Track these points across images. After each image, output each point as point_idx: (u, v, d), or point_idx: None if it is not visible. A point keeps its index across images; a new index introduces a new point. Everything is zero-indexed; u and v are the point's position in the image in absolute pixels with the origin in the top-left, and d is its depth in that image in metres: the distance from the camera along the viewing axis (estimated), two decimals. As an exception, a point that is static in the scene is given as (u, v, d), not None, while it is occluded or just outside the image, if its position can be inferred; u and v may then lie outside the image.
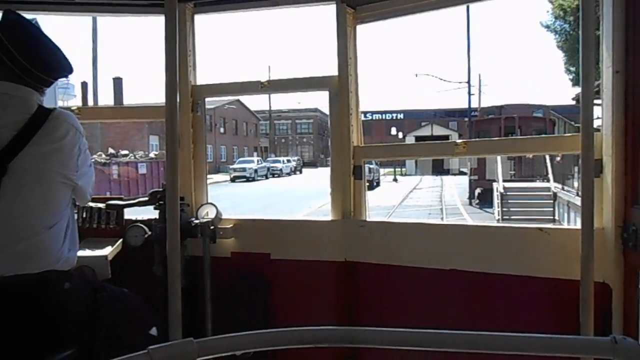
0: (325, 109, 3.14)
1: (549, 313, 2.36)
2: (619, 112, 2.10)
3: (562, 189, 17.04)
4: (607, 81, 2.14)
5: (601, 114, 2.21)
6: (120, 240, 2.88)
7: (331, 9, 2.82)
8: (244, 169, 41.90)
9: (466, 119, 36.46)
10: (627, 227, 2.07)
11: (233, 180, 39.50)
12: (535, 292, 2.38)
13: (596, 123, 2.18)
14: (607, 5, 2.12)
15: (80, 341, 2.08)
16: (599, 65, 2.18)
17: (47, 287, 2.04)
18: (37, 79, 2.11)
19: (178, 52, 2.17)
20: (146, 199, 2.92)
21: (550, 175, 18.71)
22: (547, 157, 18.96)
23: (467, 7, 24.67)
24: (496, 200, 18.41)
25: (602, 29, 2.17)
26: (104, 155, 25.87)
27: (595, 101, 2.11)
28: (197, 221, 2.88)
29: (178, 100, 2.27)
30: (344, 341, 1.29)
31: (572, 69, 31.72)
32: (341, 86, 2.82)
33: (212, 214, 2.92)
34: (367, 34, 2.92)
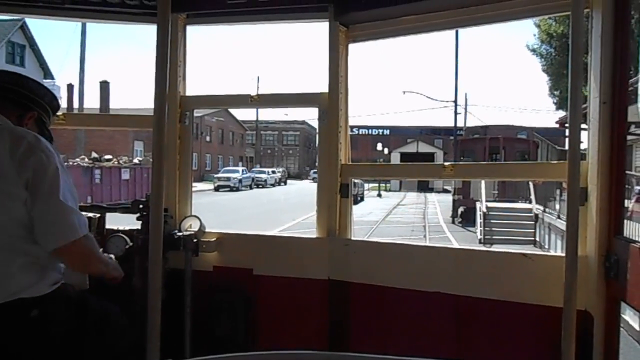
0: (313, 122, 3.15)
1: (531, 339, 2.36)
2: (605, 142, 2.12)
3: (544, 211, 17.21)
4: (594, 111, 2.17)
5: (587, 143, 2.24)
6: (101, 250, 2.82)
7: (324, 27, 2.82)
8: (228, 179, 41.68)
9: (451, 138, 36.78)
10: (610, 256, 2.08)
11: (217, 189, 39.26)
12: (518, 318, 2.38)
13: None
14: (596, 36, 2.16)
15: None
16: (585, 92, 2.21)
17: (7, 318, 1.87)
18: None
19: (169, 62, 2.15)
20: (128, 206, 2.87)
21: (533, 197, 18.88)
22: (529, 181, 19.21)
23: (456, 30, 25.03)
24: (479, 220, 18.49)
25: (591, 59, 2.20)
26: (87, 159, 25.53)
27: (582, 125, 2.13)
28: (180, 233, 2.84)
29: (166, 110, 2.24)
30: None
31: (557, 92, 32.21)
32: (331, 103, 2.81)
33: (195, 227, 2.89)
34: (357, 49, 2.93)
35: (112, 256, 2.42)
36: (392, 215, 25.40)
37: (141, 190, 24.18)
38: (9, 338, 1.89)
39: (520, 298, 2.35)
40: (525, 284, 2.36)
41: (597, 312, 2.13)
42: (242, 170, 45.96)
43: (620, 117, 2.09)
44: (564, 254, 2.07)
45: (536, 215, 17.70)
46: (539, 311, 2.30)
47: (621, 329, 2.26)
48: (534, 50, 32.57)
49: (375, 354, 1.23)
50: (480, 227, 17.94)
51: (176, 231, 2.86)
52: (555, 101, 33.35)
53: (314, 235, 2.88)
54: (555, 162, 2.59)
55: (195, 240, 2.85)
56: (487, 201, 18.97)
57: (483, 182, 19.58)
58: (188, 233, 2.85)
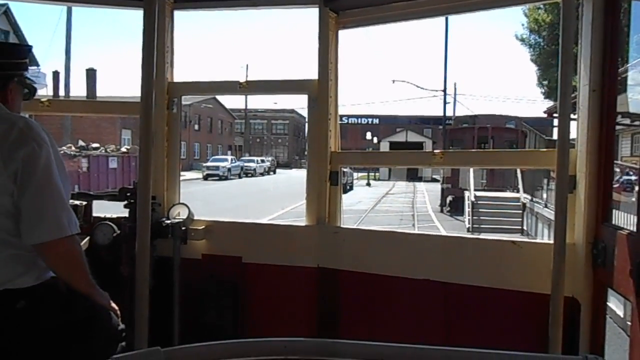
0: (302, 111, 3.14)
1: (518, 325, 2.39)
2: (594, 130, 2.13)
3: (531, 200, 17.36)
4: (583, 99, 2.18)
5: (576, 131, 2.24)
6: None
7: (313, 13, 2.80)
8: (217, 167, 41.55)
9: (440, 127, 36.88)
10: (597, 243, 2.10)
11: (205, 178, 39.13)
12: (506, 305, 2.40)
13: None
14: (586, 24, 2.16)
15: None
16: (575, 82, 2.22)
17: None
18: None
19: (156, 48, 2.12)
20: (115, 193, 2.85)
21: (520, 186, 19.05)
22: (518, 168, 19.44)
23: (446, 18, 25.01)
24: (467, 209, 18.64)
25: (580, 47, 2.20)
26: (73, 148, 25.29)
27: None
28: (168, 221, 2.82)
29: (153, 97, 2.21)
30: (318, 353, 1.27)
31: (545, 82, 32.39)
32: (321, 91, 2.80)
33: (184, 215, 2.87)
34: (346, 37, 2.91)
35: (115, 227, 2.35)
36: (381, 204, 25.50)
37: (129, 179, 23.97)
38: None
39: (508, 285, 2.37)
40: (514, 271, 2.38)
41: (584, 299, 2.15)
42: (231, 159, 45.83)
43: (609, 105, 2.10)
44: (552, 241, 2.09)
45: (524, 205, 17.87)
46: (526, 298, 2.32)
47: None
48: (522, 40, 32.71)
49: (365, 341, 1.23)
50: (469, 216, 18.11)
51: (164, 219, 2.84)
52: (543, 91, 33.57)
53: (304, 223, 2.87)
54: (544, 149, 2.60)
55: (183, 228, 2.84)
56: (475, 190, 19.12)
57: (472, 171, 19.75)
58: (176, 221, 2.83)
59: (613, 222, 2.20)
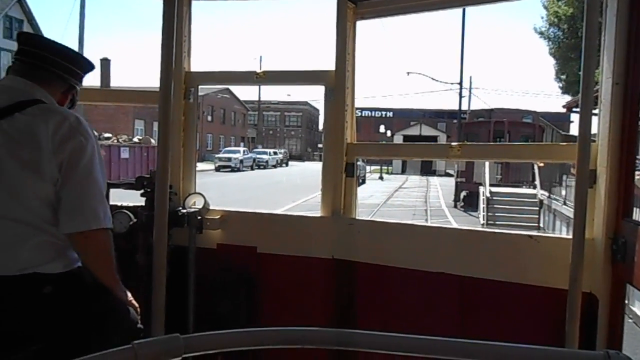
0: (315, 103, 3.14)
1: (535, 321, 2.38)
2: (616, 124, 2.11)
3: (549, 196, 17.10)
4: (606, 92, 2.16)
5: (598, 125, 2.23)
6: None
7: (332, 3, 2.80)
8: (229, 159, 41.80)
9: (455, 121, 36.61)
10: (617, 239, 2.08)
11: (218, 169, 39.40)
12: (522, 299, 2.40)
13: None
14: (611, 16, 2.13)
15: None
16: (597, 74, 2.19)
17: (20, 292, 1.89)
18: (45, 63, 2.06)
19: (175, 37, 2.14)
20: (132, 182, 2.88)
21: (538, 182, 18.72)
22: (536, 164, 19.05)
23: (464, 10, 24.74)
24: (482, 205, 18.43)
25: (604, 39, 2.18)
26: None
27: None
28: (184, 210, 2.85)
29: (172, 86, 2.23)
30: (333, 343, 1.29)
31: (563, 77, 32.00)
32: (338, 82, 2.80)
33: (199, 204, 2.90)
34: (362, 28, 2.90)
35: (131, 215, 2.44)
36: (394, 199, 25.46)
37: (140, 169, 24.03)
38: (20, 313, 1.90)
39: (525, 279, 2.37)
40: (531, 265, 2.37)
41: (603, 295, 2.14)
42: (244, 151, 46.05)
43: (633, 98, 2.08)
44: (570, 236, 2.08)
45: (541, 201, 17.57)
46: (543, 293, 2.31)
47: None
48: (541, 34, 32.30)
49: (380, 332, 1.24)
50: (483, 212, 17.91)
51: (180, 208, 2.87)
52: (561, 85, 33.17)
53: (319, 214, 2.89)
54: (564, 144, 2.58)
55: (199, 217, 2.87)
56: (490, 186, 18.85)
57: (487, 166, 19.47)
58: (192, 210, 2.86)
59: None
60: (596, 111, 2.23)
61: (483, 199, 18.35)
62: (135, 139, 29.29)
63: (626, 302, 6.39)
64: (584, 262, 2.01)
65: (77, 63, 2.16)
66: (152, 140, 29.07)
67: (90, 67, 2.23)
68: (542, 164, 17.99)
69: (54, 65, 2.07)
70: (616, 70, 2.09)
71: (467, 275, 2.50)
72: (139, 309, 2.17)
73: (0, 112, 1.93)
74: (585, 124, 2.01)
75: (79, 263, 2.04)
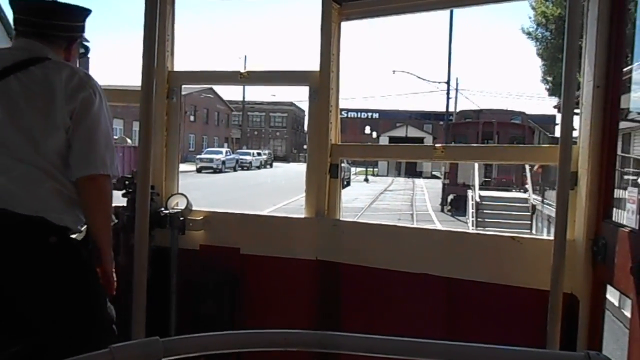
0: (301, 104, 3.17)
1: (518, 321, 2.43)
2: (597, 127, 2.17)
3: (542, 202, 16.57)
4: (587, 95, 2.21)
5: (579, 127, 2.28)
6: (85, 226, 2.83)
7: (316, 3, 2.83)
8: (211, 160, 41.52)
9: (441, 122, 36.78)
10: (597, 240, 2.14)
11: (199, 170, 39.09)
12: (505, 300, 2.44)
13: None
14: (592, 19, 2.19)
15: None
16: (579, 78, 2.25)
17: (26, 235, 2.00)
18: (43, 28, 2.19)
19: (157, 35, 2.15)
20: (114, 182, 2.88)
21: (529, 186, 18.29)
22: (527, 167, 18.57)
23: (451, 10, 24.75)
24: (471, 209, 17.96)
25: (585, 42, 2.24)
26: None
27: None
28: (166, 211, 2.86)
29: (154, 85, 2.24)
30: (316, 346, 1.29)
31: (550, 78, 32.35)
32: (322, 82, 2.83)
33: (182, 205, 2.91)
34: (348, 28, 2.94)
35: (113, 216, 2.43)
36: (379, 202, 25.31)
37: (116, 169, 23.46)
38: (25, 259, 2.00)
39: (508, 280, 2.41)
40: (513, 266, 2.42)
41: (583, 296, 2.20)
42: (226, 152, 45.80)
43: (613, 101, 2.13)
44: (552, 238, 2.13)
45: (533, 207, 17.14)
46: (526, 294, 2.36)
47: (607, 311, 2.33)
48: (529, 34, 32.63)
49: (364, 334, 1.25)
50: (472, 217, 17.40)
51: (162, 209, 2.88)
52: (548, 87, 33.53)
53: (303, 215, 2.91)
54: (546, 145, 2.64)
55: (182, 218, 2.88)
56: (480, 189, 18.38)
57: (476, 169, 19.00)
58: (175, 211, 2.88)
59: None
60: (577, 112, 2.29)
61: (472, 204, 17.93)
62: (111, 139, 28.78)
63: (617, 305, 6.49)
64: (566, 264, 2.06)
65: (72, 17, 2.28)
66: (129, 140, 28.74)
67: (85, 13, 2.33)
68: (539, 170, 17.59)
69: (50, 29, 2.20)
70: (597, 73, 2.15)
71: (450, 276, 2.54)
72: (115, 284, 2.24)
73: (18, 65, 2.09)
74: (566, 126, 2.06)
75: (81, 227, 2.17)
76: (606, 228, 2.10)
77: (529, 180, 18.66)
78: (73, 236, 2.14)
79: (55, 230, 2.05)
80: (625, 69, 2.29)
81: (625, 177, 12.38)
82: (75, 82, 2.10)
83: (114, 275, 2.24)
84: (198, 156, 42.91)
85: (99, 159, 2.12)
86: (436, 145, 2.74)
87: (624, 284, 1.87)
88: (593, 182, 2.18)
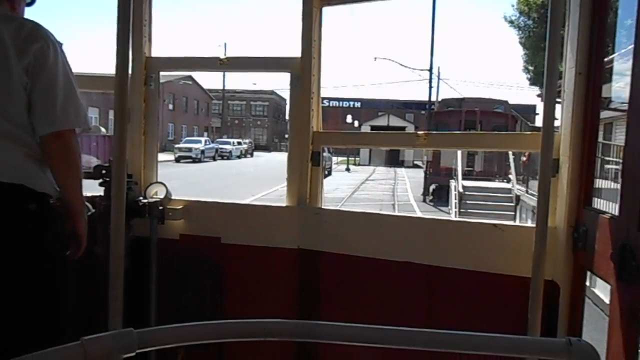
0: (282, 92, 3.14)
1: (500, 308, 2.46)
2: (579, 114, 2.19)
3: (527, 191, 16.44)
4: (569, 82, 2.23)
5: (561, 115, 2.30)
6: None
7: (297, -12, 2.80)
8: (189, 149, 41.15)
9: (423, 112, 36.86)
10: (578, 227, 2.17)
11: (178, 160, 38.75)
12: (488, 288, 2.47)
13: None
14: (574, 6, 2.20)
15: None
16: (561, 67, 2.27)
17: (6, 202, 1.94)
18: None
19: (132, 20, 2.10)
20: (90, 171, 2.84)
21: (513, 176, 18.07)
22: (511, 156, 18.48)
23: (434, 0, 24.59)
24: (453, 200, 17.84)
25: (568, 29, 2.25)
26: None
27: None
28: (145, 200, 2.83)
29: (130, 72, 2.21)
30: (295, 335, 1.29)
31: (531, 68, 32.59)
32: (303, 69, 2.81)
33: (161, 194, 2.88)
34: (329, 14, 2.92)
35: (89, 205, 2.37)
36: (360, 192, 25.22)
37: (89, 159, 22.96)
38: (5, 227, 1.94)
39: (490, 268, 2.44)
40: (495, 254, 2.45)
41: (564, 282, 2.23)
42: (205, 141, 45.47)
43: (595, 88, 2.15)
44: (534, 225, 2.15)
45: (517, 197, 16.99)
46: (507, 281, 2.39)
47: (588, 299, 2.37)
48: (511, 22, 32.77)
49: (345, 323, 1.25)
50: (455, 207, 17.28)
51: (141, 198, 2.85)
52: (529, 77, 33.79)
53: (284, 204, 2.91)
54: (528, 133, 2.66)
55: (161, 207, 2.85)
56: (463, 179, 18.20)
57: (460, 158, 18.86)
58: (153, 200, 2.85)
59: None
60: (559, 100, 2.30)
61: (455, 194, 17.79)
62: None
63: (593, 289, 6.60)
64: (547, 251, 2.09)
65: None
66: (103, 129, 28.24)
67: None
68: (527, 162, 17.32)
69: None
70: (579, 60, 2.17)
71: (432, 264, 2.56)
72: (83, 248, 2.21)
73: None
74: (548, 114, 2.08)
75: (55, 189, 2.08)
76: (587, 215, 2.13)
77: (512, 170, 18.49)
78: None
79: (35, 196, 2.00)
80: (607, 59, 2.31)
81: (607, 166, 12.51)
82: (25, 33, 1.98)
83: (85, 239, 2.20)
84: (176, 146, 42.52)
85: (61, 114, 2.02)
86: (419, 132, 2.75)
87: (604, 270, 1.90)
88: (574, 170, 2.20)
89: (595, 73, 2.14)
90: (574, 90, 2.19)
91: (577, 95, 2.18)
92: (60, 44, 2.17)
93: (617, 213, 1.84)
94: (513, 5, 32.45)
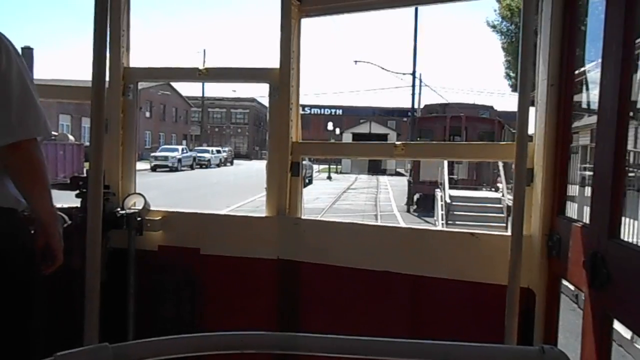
0: (263, 100, 3.18)
1: (478, 317, 2.52)
2: (551, 125, 2.27)
3: None
4: (542, 93, 2.32)
5: (534, 125, 2.39)
6: None
7: (276, 0, 2.85)
8: (166, 158, 40.65)
9: (405, 119, 36.95)
10: (552, 235, 2.25)
11: (154, 169, 38.22)
12: (466, 296, 2.54)
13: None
14: (545, 19, 2.29)
15: None
16: (534, 76, 2.36)
17: None
18: None
19: (109, 30, 2.13)
20: (67, 182, 2.85)
21: (503, 185, 17.40)
22: (500, 165, 17.77)
23: (416, 8, 24.53)
24: (440, 211, 17.05)
25: (540, 41, 2.34)
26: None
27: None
28: (123, 212, 2.85)
29: (107, 82, 2.23)
30: (275, 347, 1.29)
31: (513, 74, 33.01)
32: (282, 80, 2.86)
33: (139, 205, 2.90)
34: (310, 23, 2.98)
35: (66, 217, 2.30)
36: (341, 202, 24.75)
37: (55, 169, 22.10)
38: None
39: (467, 277, 2.51)
40: (473, 262, 2.52)
41: (539, 290, 2.30)
42: (183, 149, 45.11)
43: (567, 99, 2.24)
44: (509, 234, 2.22)
45: (508, 207, 15.80)
46: (485, 289, 2.46)
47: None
48: (494, 27, 33.16)
49: (326, 334, 1.27)
50: (442, 219, 16.48)
51: (119, 209, 2.87)
52: (510, 83, 34.19)
53: (263, 215, 2.94)
54: (503, 143, 2.74)
55: (139, 218, 2.87)
56: (450, 188, 17.55)
57: (446, 168, 18.34)
58: (132, 211, 2.86)
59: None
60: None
61: (441, 205, 16.97)
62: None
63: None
64: (522, 259, 2.16)
65: None
66: (71, 137, 27.67)
67: None
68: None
69: None
70: (551, 72, 2.25)
71: (412, 273, 2.61)
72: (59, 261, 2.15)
73: None
74: (522, 124, 2.15)
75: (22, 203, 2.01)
76: (560, 223, 2.21)
77: (502, 179, 17.69)
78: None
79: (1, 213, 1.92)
80: (581, 69, 2.40)
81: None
82: None
83: (60, 252, 2.13)
84: (152, 154, 42.02)
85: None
86: (396, 143, 2.81)
87: (577, 277, 1.97)
88: (548, 179, 2.28)
89: (567, 84, 2.23)
90: (546, 101, 2.27)
91: (550, 106, 2.27)
92: (31, 49, 2.07)
93: (588, 221, 1.92)
94: (496, 10, 32.93)
